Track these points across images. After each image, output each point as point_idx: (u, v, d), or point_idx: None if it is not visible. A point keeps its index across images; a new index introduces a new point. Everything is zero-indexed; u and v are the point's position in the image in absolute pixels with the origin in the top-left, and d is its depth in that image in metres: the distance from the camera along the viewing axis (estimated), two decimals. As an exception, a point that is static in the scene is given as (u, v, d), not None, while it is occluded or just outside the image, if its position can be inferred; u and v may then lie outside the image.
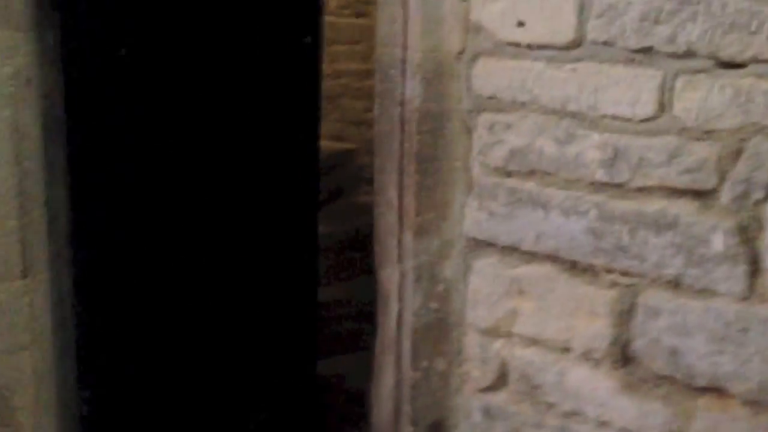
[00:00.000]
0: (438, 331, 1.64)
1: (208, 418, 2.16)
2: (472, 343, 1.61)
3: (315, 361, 2.34)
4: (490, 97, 1.52)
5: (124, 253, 2.01)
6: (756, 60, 1.26)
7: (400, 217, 1.64)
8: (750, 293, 1.31)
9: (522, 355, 1.56)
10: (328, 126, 3.39)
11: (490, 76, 1.52)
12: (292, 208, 2.23)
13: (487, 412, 1.61)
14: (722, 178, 1.31)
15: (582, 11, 1.41)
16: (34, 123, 1.79)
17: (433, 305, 1.63)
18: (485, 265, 1.58)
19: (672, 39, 1.33)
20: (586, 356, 1.48)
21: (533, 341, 1.54)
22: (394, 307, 1.68)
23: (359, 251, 3.10)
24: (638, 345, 1.42)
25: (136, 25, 1.95)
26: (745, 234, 1.30)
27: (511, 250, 1.54)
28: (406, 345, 1.66)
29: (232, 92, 2.13)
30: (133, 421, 2.07)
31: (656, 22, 1.34)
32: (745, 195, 1.30)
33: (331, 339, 2.72)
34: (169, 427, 2.11)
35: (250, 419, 2.20)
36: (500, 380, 1.59)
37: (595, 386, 1.48)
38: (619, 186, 1.40)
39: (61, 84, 1.85)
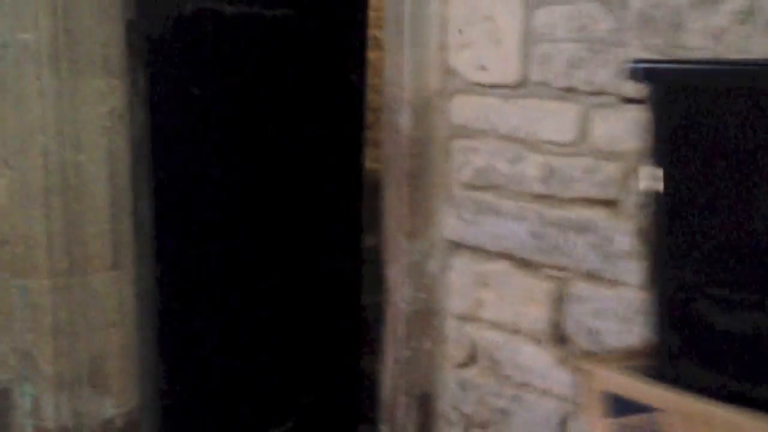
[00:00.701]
0: (425, 317, 2.05)
1: (264, 395, 2.64)
2: (450, 326, 2.01)
3: (359, 356, 2.77)
4: (462, 126, 1.93)
5: (197, 251, 2.53)
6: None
7: (399, 224, 2.06)
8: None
9: (487, 337, 1.94)
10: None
11: (462, 109, 1.93)
12: (340, 224, 2.69)
13: (462, 385, 2.00)
14: (626, 190, 1.67)
15: (525, 58, 1.80)
16: (124, 149, 2.34)
17: (422, 295, 2.04)
18: (459, 263, 1.98)
19: (589, 80, 1.70)
20: (532, 336, 1.85)
21: (495, 325, 1.92)
22: (394, 298, 2.10)
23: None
24: (568, 326, 1.78)
25: (207, 69, 2.48)
26: (644, 235, 1.65)
27: (477, 250, 1.93)
28: (401, 328, 2.07)
29: (293, 118, 2.62)
30: (202, 393, 2.58)
31: (578, 67, 1.72)
32: (643, 204, 1.65)
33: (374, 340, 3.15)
34: (231, 400, 2.60)
35: (299, 399, 2.67)
36: (471, 358, 1.98)
37: (539, 361, 1.84)
38: (552, 197, 1.78)
39: (148, 118, 2.40)
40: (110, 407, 2.42)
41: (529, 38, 1.78)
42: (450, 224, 1.98)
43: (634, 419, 0.99)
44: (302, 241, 2.63)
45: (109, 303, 2.37)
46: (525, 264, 1.84)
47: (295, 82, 2.60)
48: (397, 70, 2.03)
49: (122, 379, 2.43)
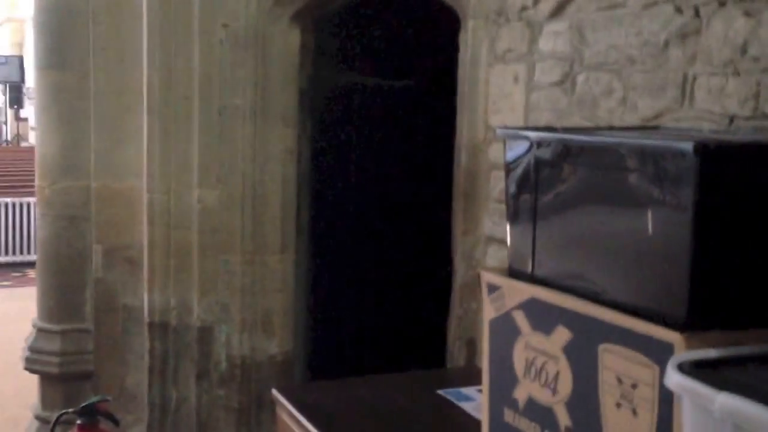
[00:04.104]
0: (472, 287, 3.47)
1: (384, 343, 4.15)
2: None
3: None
4: (495, 162, 3.37)
5: (338, 242, 4.09)
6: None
7: (458, 225, 3.51)
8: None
9: (505, 298, 3.34)
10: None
11: (496, 152, 3.37)
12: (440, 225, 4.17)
13: (491, 330, 3.40)
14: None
15: (527, 120, 3.22)
16: (293, 174, 3.96)
17: (470, 272, 3.47)
18: (491, 251, 3.40)
19: (560, 135, 3.10)
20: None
21: (509, 290, 3.32)
22: (456, 275, 3.54)
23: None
24: (546, 288, 3.16)
25: (352, 123, 4.06)
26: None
27: (501, 242, 3.35)
28: (458, 295, 3.50)
29: (411, 158, 4.15)
30: (338, 341, 4.12)
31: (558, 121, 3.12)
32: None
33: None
34: (360, 347, 4.12)
35: (406, 346, 4.15)
36: (496, 312, 3.38)
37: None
38: (540, 207, 3.18)
39: (310, 155, 4.00)
40: (274, 346, 4.01)
41: (528, 108, 3.20)
42: (487, 226, 3.41)
43: (494, 294, 2.38)
44: (410, 237, 4.14)
45: (277, 275, 3.97)
46: (525, 250, 3.24)
47: (413, 133, 4.13)
48: (460, 125, 3.50)
49: (283, 328, 4.02)
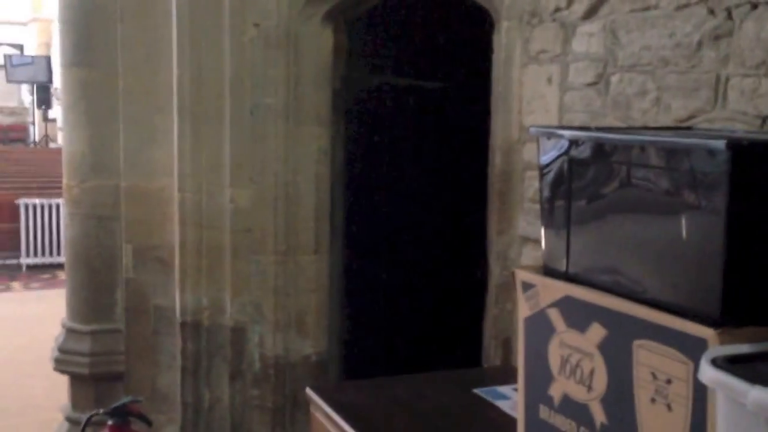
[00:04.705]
0: (507, 286, 3.53)
1: (416, 344, 4.22)
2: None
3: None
4: (529, 162, 3.43)
5: (371, 245, 4.17)
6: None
7: (492, 225, 3.58)
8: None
9: (539, 298, 3.41)
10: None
11: (530, 152, 3.43)
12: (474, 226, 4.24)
13: (524, 330, 3.46)
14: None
15: (561, 121, 3.28)
16: (326, 174, 4.04)
17: (505, 272, 3.53)
18: (526, 250, 3.46)
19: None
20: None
21: (543, 290, 3.38)
22: (491, 275, 3.60)
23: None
24: (580, 288, 3.22)
25: (385, 123, 4.14)
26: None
27: (536, 242, 3.41)
28: (493, 295, 3.57)
29: (443, 157, 4.22)
30: (371, 342, 4.19)
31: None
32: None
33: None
34: (392, 348, 4.20)
35: (441, 347, 4.22)
36: (530, 312, 3.45)
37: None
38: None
39: (344, 154, 4.08)
40: (308, 347, 4.09)
41: (562, 109, 3.27)
42: (522, 226, 3.48)
43: (529, 292, 2.45)
44: (444, 238, 4.21)
45: (310, 276, 4.05)
46: (559, 250, 3.31)
47: (446, 133, 4.20)
48: (495, 126, 3.57)
49: (317, 328, 4.10)
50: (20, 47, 21.42)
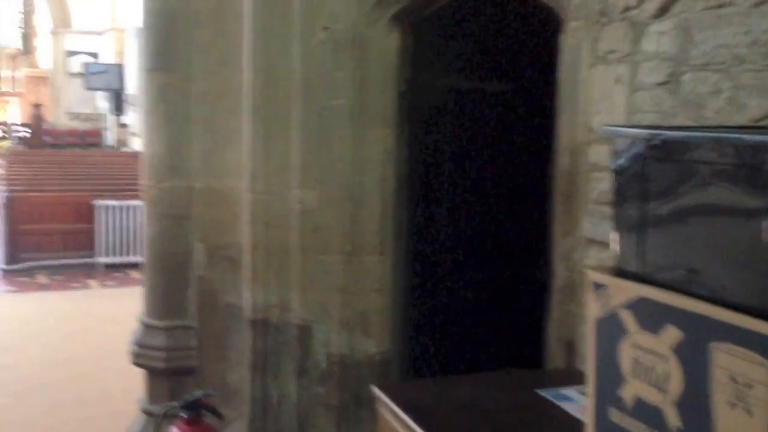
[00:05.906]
0: (571, 289, 3.44)
1: (478, 345, 4.14)
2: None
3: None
4: (595, 164, 3.33)
5: (435, 247, 4.10)
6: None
7: (557, 227, 3.48)
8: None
9: (605, 300, 3.30)
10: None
11: (595, 153, 3.33)
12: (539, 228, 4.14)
13: (590, 332, 3.36)
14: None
15: (629, 121, 3.18)
16: (392, 176, 3.97)
17: (568, 274, 3.44)
18: (591, 252, 3.36)
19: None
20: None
21: (609, 292, 3.28)
22: (554, 277, 3.51)
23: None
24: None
25: (448, 125, 4.06)
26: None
27: (601, 244, 3.31)
28: (557, 297, 3.47)
29: (508, 160, 4.13)
30: (435, 343, 4.12)
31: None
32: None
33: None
34: (455, 348, 4.12)
35: (503, 350, 4.13)
36: (596, 314, 3.34)
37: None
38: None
39: (408, 155, 4.02)
40: (372, 346, 4.03)
41: (631, 109, 3.16)
42: (586, 227, 3.38)
43: (600, 293, 2.36)
44: (508, 239, 4.12)
45: (375, 276, 4.00)
46: (626, 251, 3.20)
47: (507, 135, 4.11)
48: (561, 127, 3.47)
49: (381, 328, 4.04)
50: (95, 55, 21.80)
